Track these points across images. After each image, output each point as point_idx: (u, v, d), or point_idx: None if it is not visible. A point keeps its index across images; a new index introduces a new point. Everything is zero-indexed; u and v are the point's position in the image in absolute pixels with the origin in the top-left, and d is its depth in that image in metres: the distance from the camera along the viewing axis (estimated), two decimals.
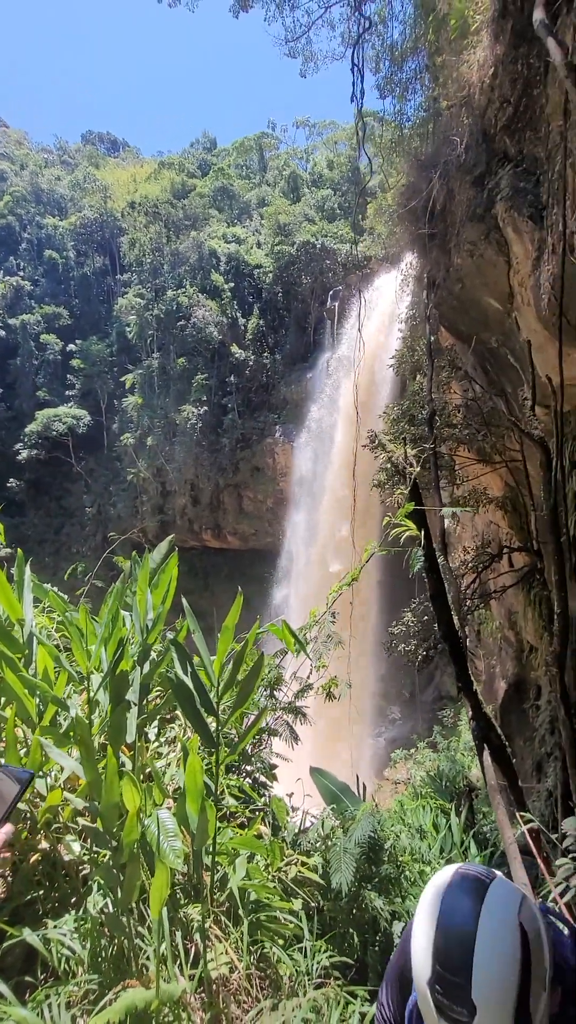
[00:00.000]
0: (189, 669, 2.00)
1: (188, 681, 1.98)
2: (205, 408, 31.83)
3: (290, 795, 4.30)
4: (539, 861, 3.39)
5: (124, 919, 1.59)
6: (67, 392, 36.33)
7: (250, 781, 3.83)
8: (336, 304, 31.49)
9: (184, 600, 2.13)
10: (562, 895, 3.88)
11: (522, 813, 4.67)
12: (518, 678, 11.01)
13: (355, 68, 5.81)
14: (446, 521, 7.68)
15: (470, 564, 9.07)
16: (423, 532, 4.62)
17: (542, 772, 9.11)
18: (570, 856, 4.16)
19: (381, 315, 22.60)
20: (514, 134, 5.74)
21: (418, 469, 4.82)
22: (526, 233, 5.50)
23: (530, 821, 4.59)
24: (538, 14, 2.91)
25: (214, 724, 1.97)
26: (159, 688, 2.89)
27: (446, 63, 7.62)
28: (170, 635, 2.83)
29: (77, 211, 41.50)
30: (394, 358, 10.38)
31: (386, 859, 4.02)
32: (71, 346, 36.67)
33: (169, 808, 2.11)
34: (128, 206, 38.82)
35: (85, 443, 35.56)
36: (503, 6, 4.77)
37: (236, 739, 2.52)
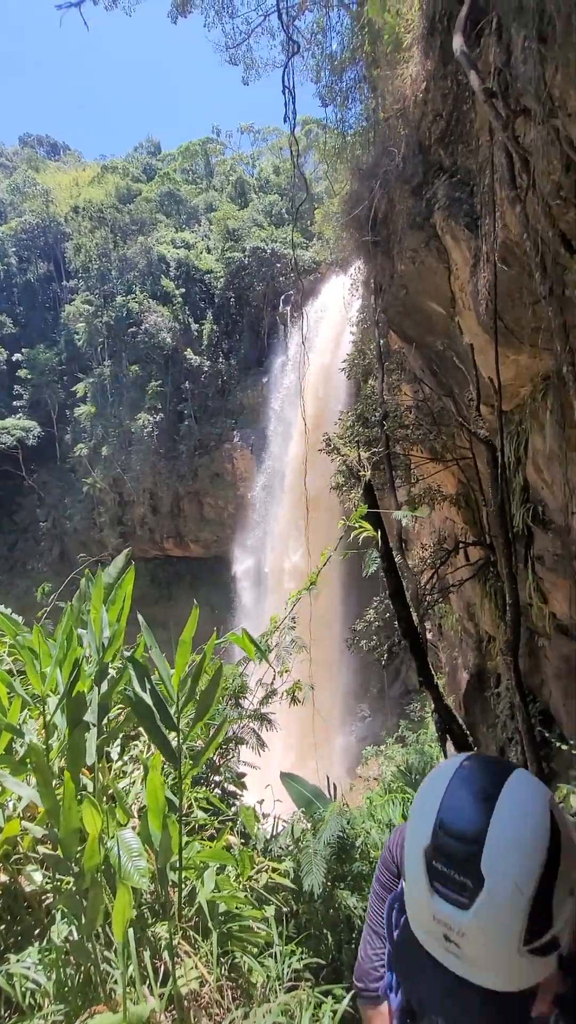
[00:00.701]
0: (148, 686, 2.00)
1: (147, 698, 1.97)
2: (161, 415, 31.42)
3: (260, 802, 4.31)
4: None
5: (89, 945, 1.56)
6: (15, 403, 35.02)
7: (219, 792, 3.82)
8: (289, 309, 31.78)
9: (140, 616, 2.12)
10: None
11: None
12: (479, 668, 11.39)
13: (286, 91, 5.90)
14: (404, 520, 7.90)
15: (428, 560, 9.34)
16: (379, 533, 4.74)
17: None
18: None
19: (333, 319, 22.95)
20: (448, 147, 5.98)
21: (370, 473, 4.95)
22: (463, 241, 5.74)
23: None
24: (457, 41, 3.06)
25: (176, 739, 1.97)
26: (120, 706, 2.85)
27: (382, 75, 7.86)
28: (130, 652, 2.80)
29: (17, 216, 40.14)
30: (345, 362, 10.59)
31: (357, 856, 4.09)
32: (17, 355, 35.39)
33: (134, 827, 2.09)
34: (71, 211, 37.89)
35: (36, 455, 34.37)
36: (431, 25, 4.97)
37: (203, 751, 2.51)
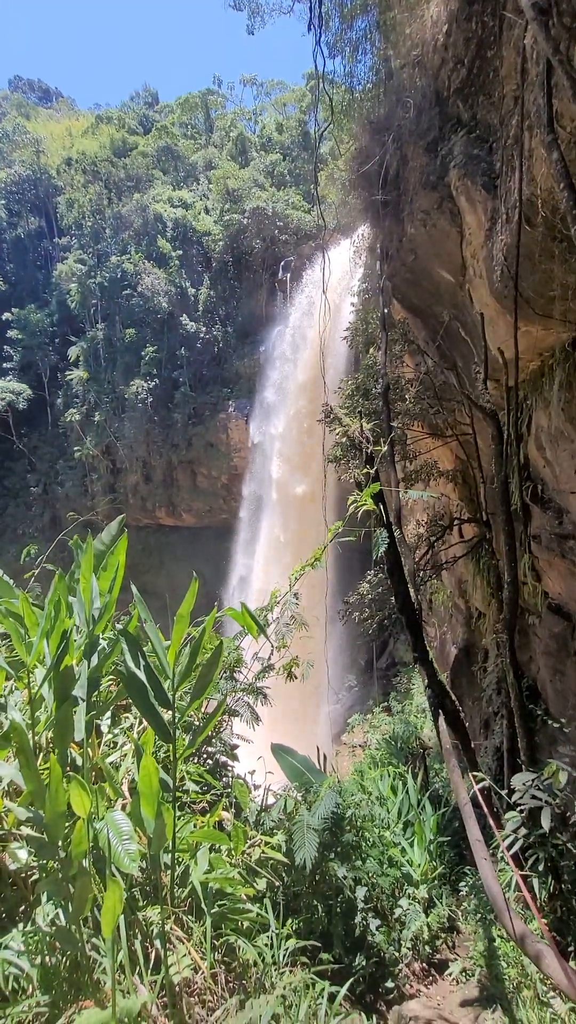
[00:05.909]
0: (141, 661, 1.87)
1: (140, 674, 1.85)
2: (155, 382, 30.73)
3: (251, 772, 4.30)
4: (488, 816, 3.56)
5: (76, 932, 1.48)
6: (5, 365, 34.08)
7: (211, 763, 3.78)
8: (288, 276, 30.84)
9: (134, 587, 1.98)
10: (510, 847, 4.10)
11: (474, 773, 4.90)
12: (467, 643, 11.50)
13: None
14: (402, 495, 7.78)
15: (424, 536, 9.27)
16: (382, 508, 4.60)
17: (489, 730, 9.63)
18: (518, 809, 4.40)
19: (334, 287, 22.29)
20: (467, 98, 5.60)
21: (383, 448, 4.78)
22: (479, 203, 5.43)
23: (482, 780, 4.81)
24: None
25: (170, 716, 1.86)
26: (112, 677, 2.74)
27: (398, 20, 7.33)
28: (124, 622, 2.66)
29: (7, 167, 38.22)
30: (348, 331, 10.25)
31: (347, 828, 4.11)
32: (7, 315, 34.24)
33: (124, 806, 2.00)
34: (64, 163, 36.14)
35: (26, 419, 33.67)
36: None
37: (197, 724, 2.42)
